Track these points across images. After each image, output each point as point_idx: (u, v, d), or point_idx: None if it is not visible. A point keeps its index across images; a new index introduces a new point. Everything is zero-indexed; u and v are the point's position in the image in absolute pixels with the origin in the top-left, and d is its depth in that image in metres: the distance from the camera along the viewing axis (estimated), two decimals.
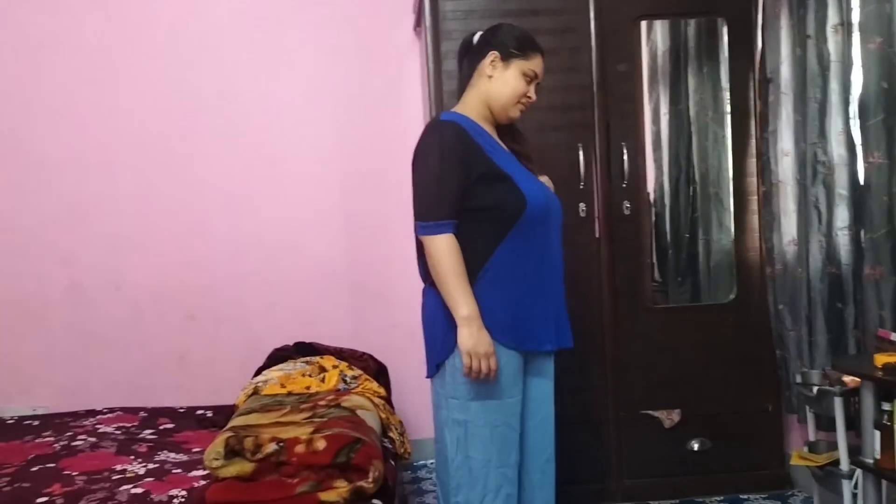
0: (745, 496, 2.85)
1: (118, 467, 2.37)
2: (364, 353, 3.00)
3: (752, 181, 2.88)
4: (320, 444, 2.06)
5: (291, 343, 3.04)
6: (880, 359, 2.04)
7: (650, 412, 2.83)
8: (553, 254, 1.99)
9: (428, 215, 1.89)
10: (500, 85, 1.98)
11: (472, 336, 1.86)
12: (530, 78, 1.99)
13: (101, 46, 3.14)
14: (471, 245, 1.90)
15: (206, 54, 3.17)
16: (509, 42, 1.98)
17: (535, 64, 1.99)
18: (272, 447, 2.06)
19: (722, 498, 2.84)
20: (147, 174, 3.18)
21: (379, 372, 2.93)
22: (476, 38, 2.04)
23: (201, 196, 3.19)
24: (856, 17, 2.45)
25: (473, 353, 1.86)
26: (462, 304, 1.86)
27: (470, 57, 2.03)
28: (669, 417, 2.82)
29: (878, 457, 2.06)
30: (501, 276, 1.91)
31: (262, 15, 3.18)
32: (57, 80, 3.14)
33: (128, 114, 3.16)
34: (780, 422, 2.90)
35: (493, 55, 1.98)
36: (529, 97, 2.01)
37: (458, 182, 1.87)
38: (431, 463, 3.07)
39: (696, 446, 2.84)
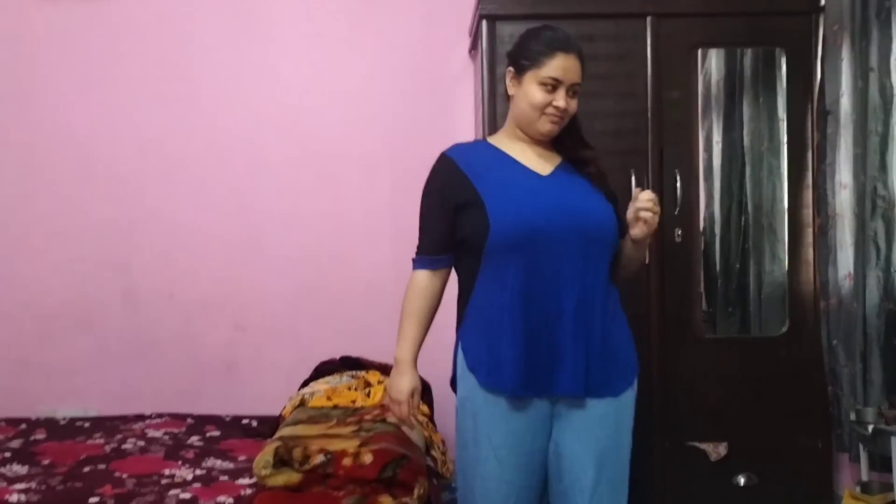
0: None
1: (167, 472, 2.41)
2: None
3: (808, 213, 2.83)
4: (367, 458, 2.08)
5: (337, 357, 3.07)
6: None
7: (696, 444, 2.78)
8: (559, 281, 1.73)
9: (416, 250, 1.91)
10: (520, 101, 1.82)
11: (391, 379, 1.92)
12: (552, 86, 1.78)
13: (166, 65, 3.24)
14: (462, 280, 1.87)
15: (263, 73, 3.24)
16: (518, 53, 1.82)
17: (553, 69, 1.76)
18: (320, 458, 2.08)
19: None
20: (203, 188, 3.25)
21: (422, 389, 2.93)
22: None
23: (255, 210, 3.25)
24: None
25: (389, 397, 1.92)
26: (399, 345, 1.89)
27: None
28: (716, 450, 2.77)
29: None
30: (478, 311, 1.81)
31: (319, 37, 3.25)
32: (122, 96, 3.24)
33: (187, 129, 3.24)
34: (830, 460, 2.82)
35: (509, 72, 1.85)
36: (557, 106, 1.78)
37: (436, 215, 1.83)
38: None
39: (742, 481, 2.78)
